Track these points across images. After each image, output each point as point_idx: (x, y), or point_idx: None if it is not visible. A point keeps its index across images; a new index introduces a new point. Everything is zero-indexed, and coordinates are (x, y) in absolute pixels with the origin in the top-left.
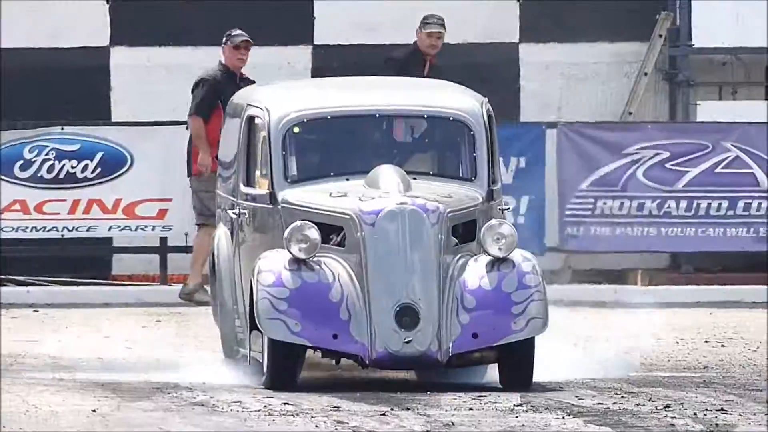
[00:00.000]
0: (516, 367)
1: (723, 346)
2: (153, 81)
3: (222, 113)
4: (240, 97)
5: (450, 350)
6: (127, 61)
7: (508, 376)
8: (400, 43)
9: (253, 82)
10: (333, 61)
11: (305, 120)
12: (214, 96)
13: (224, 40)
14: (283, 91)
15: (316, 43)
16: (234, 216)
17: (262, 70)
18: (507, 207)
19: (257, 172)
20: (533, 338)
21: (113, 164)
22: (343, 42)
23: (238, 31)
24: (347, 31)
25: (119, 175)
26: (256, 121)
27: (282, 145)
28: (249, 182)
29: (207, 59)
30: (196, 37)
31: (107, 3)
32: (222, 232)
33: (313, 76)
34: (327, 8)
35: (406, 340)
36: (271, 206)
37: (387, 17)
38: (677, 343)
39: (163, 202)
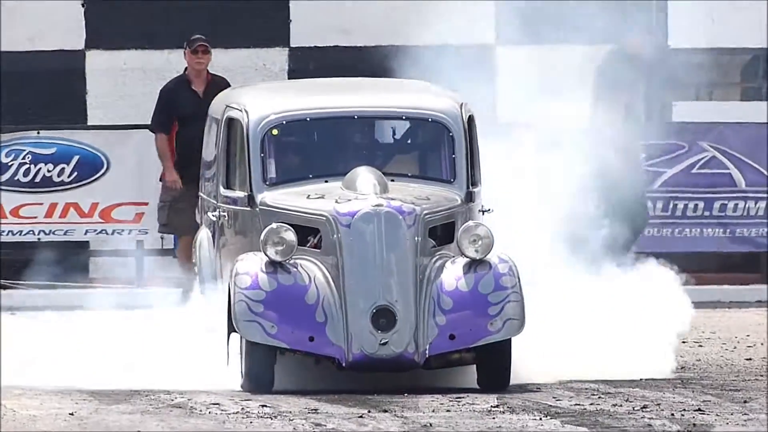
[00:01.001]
0: (493, 368)
1: (700, 346)
2: (129, 84)
3: (176, 124)
4: (221, 98)
5: (427, 351)
6: (102, 65)
7: (485, 378)
8: (376, 45)
9: (223, 79)
10: (309, 63)
11: (284, 122)
12: (166, 108)
13: (185, 45)
14: (262, 92)
15: (292, 45)
16: (214, 219)
17: (238, 73)
18: (489, 209)
19: (237, 175)
20: (510, 339)
21: (89, 168)
22: (319, 44)
23: (197, 36)
24: (323, 33)
25: (95, 179)
26: (235, 123)
27: (260, 147)
28: (229, 185)
29: (183, 62)
30: (172, 40)
31: (82, 6)
32: (204, 235)
33: (289, 78)
34: (303, 10)
35: (382, 341)
36: (249, 208)
37: (363, 19)
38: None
39: (139, 206)
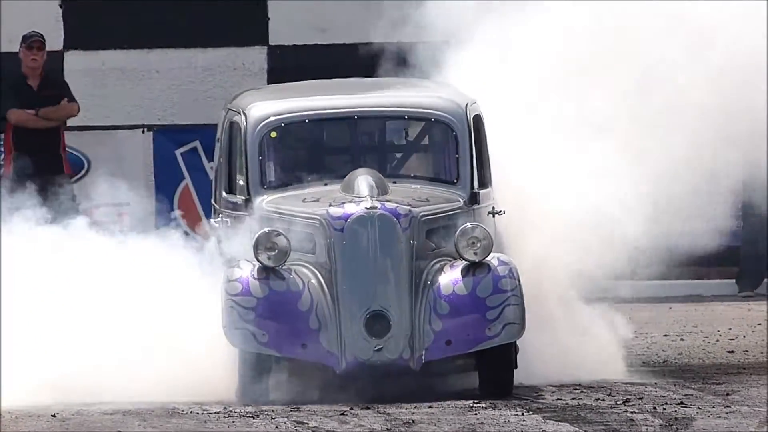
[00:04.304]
0: (494, 374)
1: (682, 339)
2: (108, 85)
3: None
4: (226, 102)
5: (423, 357)
6: (81, 65)
7: (486, 384)
8: (354, 43)
9: (61, 80)
10: (288, 62)
11: (283, 124)
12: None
13: (21, 42)
14: (261, 95)
15: (271, 43)
16: (217, 225)
17: (217, 72)
18: (501, 211)
19: (238, 179)
20: (511, 344)
21: (70, 169)
22: (298, 42)
23: (32, 32)
24: (302, 31)
25: (76, 180)
26: (235, 126)
27: (258, 150)
28: (231, 189)
29: (162, 62)
30: (150, 39)
31: (60, 6)
32: (212, 243)
33: (268, 77)
34: (281, 9)
35: (377, 348)
36: (247, 213)
37: (341, 17)
38: (636, 337)
39: (121, 206)
